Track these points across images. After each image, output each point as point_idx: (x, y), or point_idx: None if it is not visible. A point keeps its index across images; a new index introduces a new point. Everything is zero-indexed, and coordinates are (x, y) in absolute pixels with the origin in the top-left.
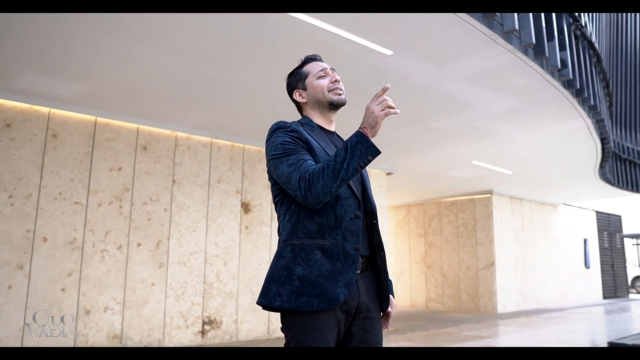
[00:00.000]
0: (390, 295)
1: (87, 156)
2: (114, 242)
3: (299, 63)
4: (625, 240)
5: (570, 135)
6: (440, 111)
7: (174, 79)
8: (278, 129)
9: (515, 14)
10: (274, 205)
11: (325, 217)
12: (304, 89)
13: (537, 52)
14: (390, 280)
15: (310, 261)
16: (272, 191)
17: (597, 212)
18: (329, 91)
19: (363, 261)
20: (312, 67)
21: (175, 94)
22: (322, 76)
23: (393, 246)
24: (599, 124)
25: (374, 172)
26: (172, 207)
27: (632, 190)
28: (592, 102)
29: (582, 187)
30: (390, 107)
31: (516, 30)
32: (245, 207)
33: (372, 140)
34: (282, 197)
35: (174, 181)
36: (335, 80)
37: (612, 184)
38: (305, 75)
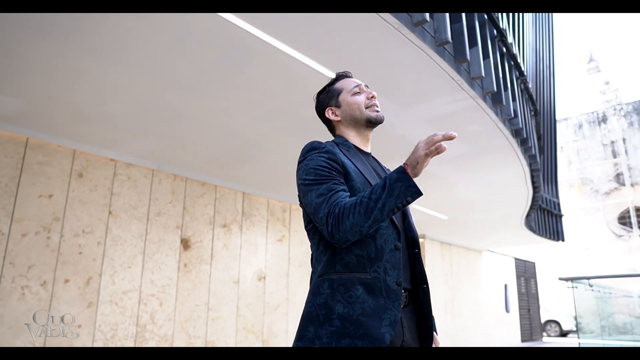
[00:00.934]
0: (434, 333)
1: (13, 180)
2: (37, 277)
3: (330, 80)
4: (560, 283)
5: (508, 183)
6: (390, 152)
7: (125, 101)
8: (312, 150)
9: (482, 62)
10: (306, 233)
11: (366, 248)
12: (338, 106)
13: (495, 100)
14: (432, 316)
15: (351, 297)
16: (304, 217)
17: (515, 258)
18: (366, 108)
19: (405, 295)
20: (346, 84)
21: (122, 118)
22: (358, 92)
23: None
24: (534, 173)
25: None
26: (106, 241)
27: (551, 238)
28: (532, 152)
29: (508, 233)
30: (438, 151)
31: (482, 77)
32: (185, 244)
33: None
34: (314, 224)
35: (110, 212)
36: (372, 97)
37: (535, 232)
38: (339, 92)
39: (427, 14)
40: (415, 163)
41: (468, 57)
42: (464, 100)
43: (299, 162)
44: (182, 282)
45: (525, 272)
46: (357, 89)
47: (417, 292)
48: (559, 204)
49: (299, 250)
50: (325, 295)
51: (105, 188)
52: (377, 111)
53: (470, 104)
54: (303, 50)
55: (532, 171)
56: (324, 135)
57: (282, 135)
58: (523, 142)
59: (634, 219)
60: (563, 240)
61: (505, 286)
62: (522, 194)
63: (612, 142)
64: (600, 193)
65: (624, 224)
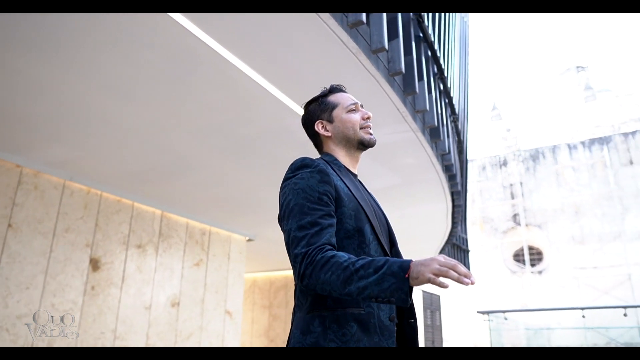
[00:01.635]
0: None
1: None
2: None
3: (323, 91)
4: (463, 315)
5: (430, 218)
6: None
7: (42, 100)
8: (303, 167)
9: (427, 95)
10: (289, 259)
11: None
12: (330, 121)
13: (433, 135)
14: None
15: (345, 336)
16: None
17: (423, 291)
18: (361, 128)
19: (395, 331)
20: (342, 99)
21: (34, 119)
22: (353, 110)
23: None
24: (455, 209)
25: (234, 237)
26: (2, 257)
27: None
28: (459, 188)
29: None
30: (442, 282)
31: (427, 110)
32: (94, 264)
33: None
34: None
35: (10, 225)
36: (368, 117)
37: None
38: (333, 106)
39: (386, 42)
40: (418, 274)
41: (417, 90)
42: (405, 133)
43: (287, 179)
44: (87, 306)
45: (431, 305)
46: (353, 107)
47: (402, 327)
48: (467, 240)
49: (216, 276)
50: (316, 334)
51: (7, 197)
52: (371, 134)
53: (409, 137)
54: (255, 66)
55: (454, 207)
56: (262, 159)
57: (216, 155)
58: (451, 178)
59: (527, 257)
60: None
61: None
62: (440, 229)
63: (511, 185)
64: (499, 231)
65: (518, 261)
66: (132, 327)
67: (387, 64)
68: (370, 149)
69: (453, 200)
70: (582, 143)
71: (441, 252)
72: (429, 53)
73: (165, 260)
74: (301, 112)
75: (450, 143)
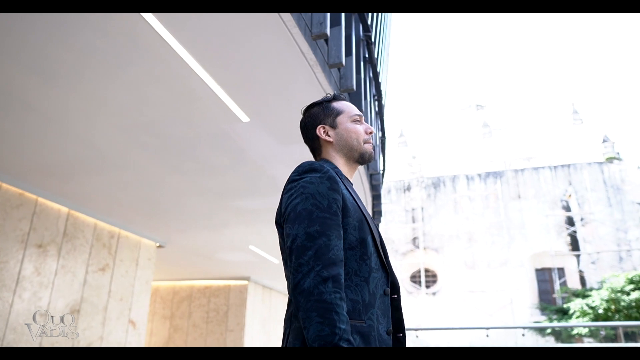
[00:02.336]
0: None
1: None
2: None
3: (326, 97)
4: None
5: None
6: (252, 190)
7: None
8: (312, 170)
9: (369, 115)
10: (283, 264)
11: (360, 293)
12: (333, 127)
13: (371, 167)
14: None
15: None
16: (282, 246)
17: None
18: (364, 142)
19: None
20: (347, 107)
21: None
22: (358, 121)
23: None
24: None
25: (145, 242)
26: None
27: None
28: (380, 208)
29: None
30: None
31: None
32: None
33: None
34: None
35: None
36: (370, 132)
37: None
38: (338, 112)
39: (343, 57)
40: None
41: (363, 109)
42: None
43: (292, 180)
44: None
45: None
46: (358, 117)
47: (392, 341)
48: None
49: (122, 283)
50: None
51: None
52: (372, 150)
53: None
54: (204, 63)
55: None
56: (193, 164)
57: (142, 154)
58: (375, 198)
59: (423, 279)
60: None
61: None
62: None
63: (413, 209)
64: (399, 253)
65: (414, 282)
66: (23, 336)
67: (339, 80)
68: (301, 162)
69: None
70: (479, 175)
71: None
72: (371, 74)
73: (68, 262)
74: (245, 119)
75: (378, 164)
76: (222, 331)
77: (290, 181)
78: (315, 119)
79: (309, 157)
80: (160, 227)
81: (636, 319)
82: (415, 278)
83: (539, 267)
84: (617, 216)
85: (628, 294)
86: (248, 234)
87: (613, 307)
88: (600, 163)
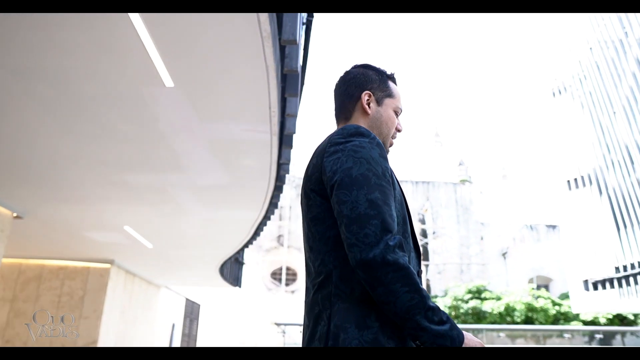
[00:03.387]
0: None
1: None
2: None
3: (382, 68)
4: (220, 327)
5: (236, 227)
6: (147, 165)
7: None
8: (360, 135)
9: (298, 102)
10: (312, 236)
11: None
12: (379, 102)
13: (286, 142)
14: None
15: (401, 332)
16: (318, 213)
17: (186, 298)
18: (392, 136)
19: None
20: (398, 95)
21: None
22: (397, 115)
23: None
24: (265, 220)
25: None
26: None
27: (232, 284)
28: (277, 200)
29: (198, 274)
30: None
31: (295, 116)
32: None
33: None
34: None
35: None
36: (399, 130)
37: (222, 277)
38: (389, 94)
39: (297, 34)
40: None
41: (298, 94)
42: (262, 133)
43: (337, 143)
44: None
45: (192, 313)
46: (399, 111)
47: None
48: (241, 252)
49: None
50: (375, 329)
51: None
52: (391, 146)
53: (263, 139)
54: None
55: (264, 217)
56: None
57: (27, 103)
58: (277, 189)
59: (284, 277)
60: (240, 286)
61: (173, 326)
62: (239, 239)
63: (281, 207)
64: (263, 249)
65: (275, 279)
66: None
67: (283, 60)
68: (216, 142)
69: (267, 211)
70: None
71: (224, 264)
72: (301, 63)
73: None
74: (169, 83)
75: (290, 153)
76: (75, 318)
77: (334, 143)
78: (367, 81)
79: (230, 141)
80: (23, 194)
81: (471, 323)
82: (276, 275)
83: None
84: (463, 233)
85: (467, 302)
86: (126, 213)
87: (454, 313)
88: (455, 184)
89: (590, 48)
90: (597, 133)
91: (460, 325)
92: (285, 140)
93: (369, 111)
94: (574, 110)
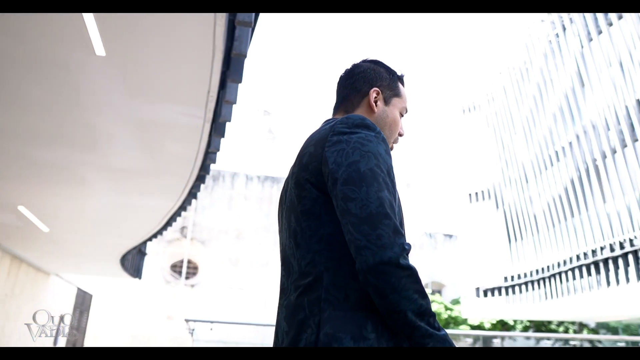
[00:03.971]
0: None
1: None
2: None
3: (392, 68)
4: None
5: (146, 216)
6: (59, 139)
7: None
8: (366, 127)
9: (238, 91)
10: (301, 232)
11: None
12: (387, 102)
13: (218, 130)
14: None
15: (398, 344)
16: (312, 207)
17: (78, 288)
18: (393, 140)
19: None
20: (405, 97)
21: None
22: (402, 115)
23: None
24: (180, 210)
25: None
26: None
27: (133, 275)
28: (197, 191)
29: (97, 263)
30: None
31: (234, 103)
32: None
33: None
34: (336, 223)
35: None
36: (402, 135)
37: (123, 267)
38: (397, 94)
39: (253, 16)
40: None
41: (241, 80)
42: (195, 119)
43: (341, 133)
44: None
45: (82, 304)
46: (405, 112)
47: None
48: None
49: None
50: (371, 341)
51: None
52: (391, 149)
53: (195, 124)
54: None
55: (180, 208)
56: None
57: None
58: (200, 179)
59: (184, 270)
60: (140, 277)
61: (62, 317)
62: (148, 229)
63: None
64: (165, 240)
65: (174, 271)
66: None
67: (232, 42)
68: (142, 122)
69: (184, 201)
70: (258, 177)
71: (127, 254)
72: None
73: None
74: (100, 52)
75: (221, 142)
76: None
77: (337, 132)
78: (377, 78)
79: (158, 122)
80: None
81: None
82: (176, 268)
83: None
84: None
85: None
86: (22, 192)
87: None
88: None
89: (500, 72)
90: (499, 150)
91: None
92: (217, 128)
93: (376, 109)
94: (480, 128)
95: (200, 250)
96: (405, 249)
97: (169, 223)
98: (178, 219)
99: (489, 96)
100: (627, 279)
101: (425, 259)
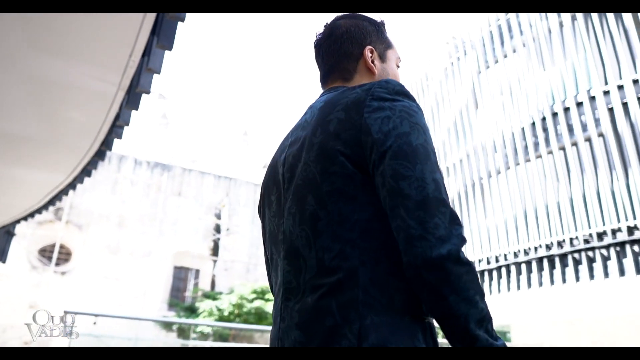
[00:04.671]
0: None
1: None
2: None
3: (371, 18)
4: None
5: (29, 188)
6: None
7: None
8: (406, 96)
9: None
10: (327, 216)
11: None
12: (382, 58)
13: (132, 102)
14: None
15: None
16: (346, 186)
17: None
18: None
19: None
20: (395, 45)
21: None
22: (398, 67)
23: None
24: (68, 187)
25: None
26: None
27: None
28: (94, 167)
29: None
30: None
31: (158, 73)
32: None
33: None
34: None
35: None
36: None
37: None
38: (390, 45)
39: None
40: None
41: (172, 48)
42: (108, 84)
43: (384, 99)
44: None
45: None
46: (399, 62)
47: None
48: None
49: None
50: None
51: None
52: None
53: (107, 91)
54: None
55: (69, 185)
56: None
57: None
58: (99, 154)
59: (55, 255)
60: (5, 261)
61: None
62: (27, 205)
63: None
64: (35, 221)
65: (43, 256)
66: None
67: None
68: (41, 81)
69: (76, 179)
70: (148, 163)
71: None
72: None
73: None
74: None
75: (131, 115)
76: None
77: (378, 98)
78: (365, 35)
79: (62, 84)
80: None
81: (252, 323)
82: (45, 252)
83: (179, 265)
84: (256, 233)
85: (251, 301)
86: None
87: (237, 311)
88: (256, 185)
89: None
90: None
91: (243, 325)
92: (132, 98)
93: (375, 70)
94: None
95: (76, 235)
96: (464, 241)
97: (51, 202)
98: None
99: None
100: (499, 290)
101: None
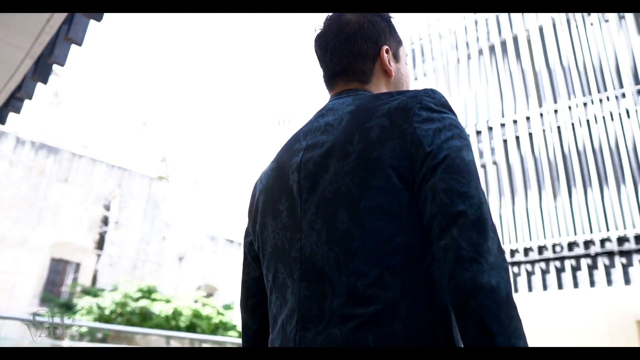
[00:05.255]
0: None
1: None
2: None
3: (381, 13)
4: None
5: None
6: None
7: None
8: (450, 110)
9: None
10: (363, 235)
11: None
12: (396, 58)
13: (41, 73)
14: None
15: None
16: (388, 203)
17: None
18: None
19: None
20: (402, 43)
21: None
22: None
23: None
24: None
25: None
26: None
27: None
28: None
29: None
30: None
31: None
32: None
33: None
34: (419, 229)
35: None
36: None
37: None
38: (400, 43)
39: None
40: None
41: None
42: (13, 49)
43: (432, 110)
44: None
45: None
46: (406, 59)
47: None
48: None
49: None
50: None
51: None
52: None
53: (11, 57)
54: None
55: None
56: None
57: None
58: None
59: None
60: None
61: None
62: None
63: None
64: None
65: None
66: None
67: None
68: None
69: None
70: (34, 143)
71: None
72: None
73: None
74: None
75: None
76: None
77: (427, 108)
78: (380, 32)
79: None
80: None
81: (135, 323)
82: None
83: (57, 257)
84: (147, 229)
85: (136, 300)
86: None
87: (120, 310)
88: (152, 178)
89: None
90: None
91: (125, 327)
92: (42, 69)
93: (392, 72)
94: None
95: None
96: (501, 250)
97: None
98: None
99: (302, 109)
100: None
101: (204, 260)
